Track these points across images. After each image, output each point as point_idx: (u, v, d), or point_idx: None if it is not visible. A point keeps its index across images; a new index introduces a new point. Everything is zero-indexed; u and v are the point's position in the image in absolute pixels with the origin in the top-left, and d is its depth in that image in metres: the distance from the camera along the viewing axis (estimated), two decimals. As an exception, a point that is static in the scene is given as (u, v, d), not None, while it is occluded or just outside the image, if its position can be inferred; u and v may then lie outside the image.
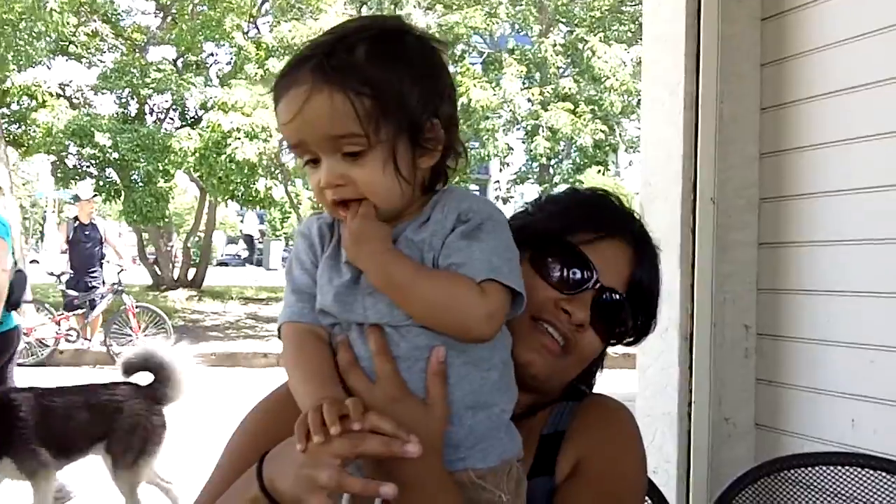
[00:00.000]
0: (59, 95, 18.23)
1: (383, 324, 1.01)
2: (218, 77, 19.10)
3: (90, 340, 11.72)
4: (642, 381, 3.53)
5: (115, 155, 16.55)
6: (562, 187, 24.20)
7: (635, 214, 1.29)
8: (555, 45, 21.45)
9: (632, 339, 1.29)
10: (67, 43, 18.48)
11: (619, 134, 22.07)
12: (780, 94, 3.14)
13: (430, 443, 0.97)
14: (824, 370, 2.99)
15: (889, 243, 2.77)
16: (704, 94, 3.12)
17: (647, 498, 1.34)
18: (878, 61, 2.76)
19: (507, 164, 22.22)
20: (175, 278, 19.92)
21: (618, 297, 1.20)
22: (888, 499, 1.85)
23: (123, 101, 18.95)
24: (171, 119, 19.70)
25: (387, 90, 1.00)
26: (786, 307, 3.15)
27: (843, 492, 1.94)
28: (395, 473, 0.95)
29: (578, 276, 1.17)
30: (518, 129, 22.02)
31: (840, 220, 2.97)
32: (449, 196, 1.05)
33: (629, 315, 1.23)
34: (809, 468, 1.95)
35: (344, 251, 1.05)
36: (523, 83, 21.21)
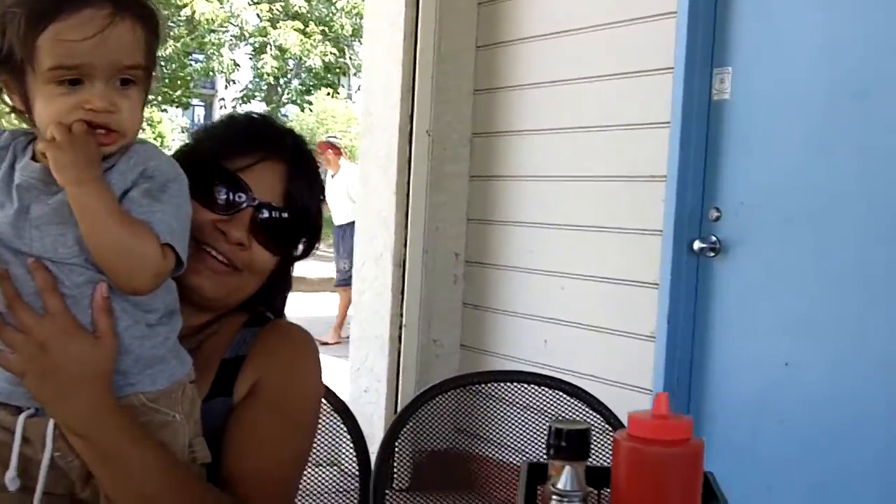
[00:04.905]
0: None
1: (46, 258, 1.04)
2: None
3: None
4: (357, 305, 3.64)
5: None
6: (290, 108, 23.85)
7: (292, 132, 1.36)
8: (286, -40, 20.84)
9: (301, 253, 1.35)
10: None
11: (350, 57, 22.03)
12: (495, 34, 3.30)
13: (102, 373, 1.04)
14: (523, 295, 3.25)
15: (579, 180, 3.04)
16: (423, 28, 3.20)
17: (322, 401, 1.40)
18: (585, 7, 2.98)
19: (234, 82, 21.50)
20: None
21: (276, 211, 1.26)
22: (555, 406, 2.08)
23: None
24: None
25: (159, 31, 1.08)
26: (491, 237, 3.37)
27: (521, 402, 2.15)
28: (67, 401, 1.02)
29: (233, 197, 1.23)
30: (245, 45, 21.28)
31: (542, 158, 3.21)
32: (141, 149, 1.08)
33: (291, 227, 1.29)
34: (493, 384, 2.12)
35: (30, 173, 1.05)
36: (252, -2, 20.47)
